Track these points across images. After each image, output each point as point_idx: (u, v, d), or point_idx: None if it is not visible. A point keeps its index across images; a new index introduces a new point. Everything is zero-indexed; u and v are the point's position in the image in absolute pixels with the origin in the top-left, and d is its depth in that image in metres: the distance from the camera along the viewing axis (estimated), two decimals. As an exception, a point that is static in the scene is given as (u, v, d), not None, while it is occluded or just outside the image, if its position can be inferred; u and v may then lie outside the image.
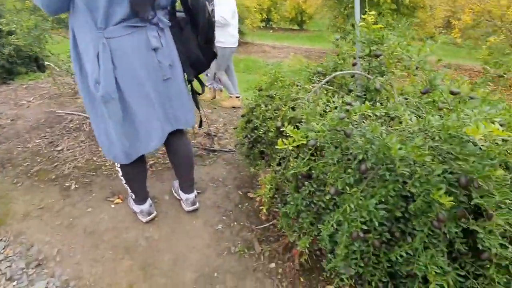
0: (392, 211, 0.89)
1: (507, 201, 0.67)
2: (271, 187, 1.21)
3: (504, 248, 0.72)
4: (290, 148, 0.89)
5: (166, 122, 1.38)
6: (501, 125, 0.65)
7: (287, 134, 0.92)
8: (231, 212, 1.65)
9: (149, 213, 1.55)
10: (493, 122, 0.65)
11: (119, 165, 1.41)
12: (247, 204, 1.70)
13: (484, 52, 5.06)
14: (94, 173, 1.96)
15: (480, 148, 0.76)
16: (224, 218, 1.62)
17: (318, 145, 0.92)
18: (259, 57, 7.67)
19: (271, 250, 1.41)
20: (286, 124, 1.19)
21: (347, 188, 0.88)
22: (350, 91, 1.29)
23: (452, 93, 1.07)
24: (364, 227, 0.82)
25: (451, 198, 0.66)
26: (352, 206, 0.83)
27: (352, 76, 1.34)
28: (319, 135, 0.89)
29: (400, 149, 0.71)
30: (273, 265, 1.36)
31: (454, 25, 6.78)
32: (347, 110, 0.87)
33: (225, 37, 3.00)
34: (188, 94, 1.45)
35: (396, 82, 1.37)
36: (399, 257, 0.84)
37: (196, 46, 1.43)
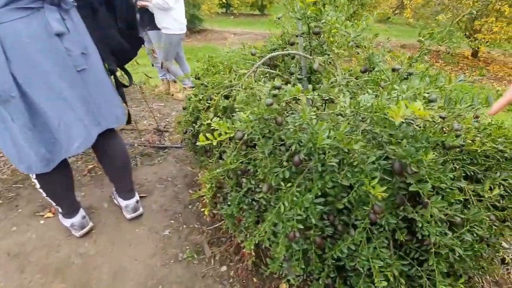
0: (333, 203, 0.81)
1: (443, 185, 0.61)
2: (212, 186, 1.09)
3: (443, 235, 0.66)
4: (215, 143, 0.76)
5: (91, 121, 1.19)
6: (432, 101, 0.57)
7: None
8: (180, 215, 1.51)
9: (82, 226, 1.37)
10: (421, 98, 0.57)
11: (34, 176, 1.21)
12: (198, 203, 1.57)
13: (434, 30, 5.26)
14: (21, 185, 1.71)
15: (416, 128, 0.70)
16: (172, 222, 1.48)
17: (248, 137, 0.80)
18: (219, 45, 7.38)
19: (222, 252, 1.31)
20: (220, 115, 1.07)
21: (282, 183, 0.78)
22: (292, 74, 1.18)
23: (394, 70, 1.00)
24: (301, 226, 0.73)
25: (384, 189, 0.59)
26: (287, 204, 0.73)
27: (293, 58, 1.23)
28: (247, 126, 0.78)
29: (328, 137, 0.62)
30: (224, 268, 1.25)
31: (406, 5, 6.98)
32: (275, 95, 0.76)
33: (171, 23, 2.76)
34: (112, 87, 1.26)
35: (344, 62, 1.29)
36: (340, 254, 0.77)
37: (117, 31, 1.24)
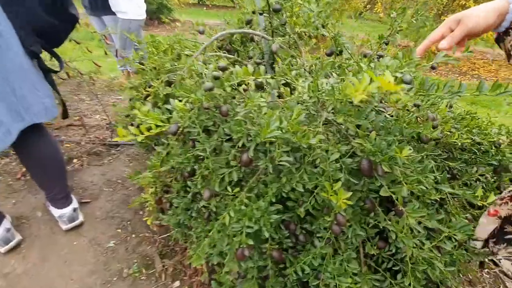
0: (294, 209, 0.68)
1: (421, 187, 0.48)
2: (156, 190, 0.92)
3: (421, 245, 0.55)
4: (140, 139, 0.59)
5: (10, 115, 0.97)
6: (406, 82, 0.45)
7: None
8: (128, 223, 1.32)
9: (7, 241, 1.14)
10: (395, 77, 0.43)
11: None
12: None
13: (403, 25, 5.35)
14: None
15: (387, 118, 0.57)
16: (118, 231, 1.28)
17: (185, 130, 0.64)
18: (189, 36, 7.05)
19: (175, 265, 1.14)
20: (161, 105, 0.90)
21: (229, 188, 0.63)
22: (250, 57, 1.03)
23: (364, 55, 0.88)
24: (251, 242, 0.59)
25: (349, 195, 0.45)
26: (233, 214, 0.58)
27: (252, 40, 1.08)
28: (183, 117, 0.61)
29: (279, 128, 0.47)
30: (177, 283, 1.09)
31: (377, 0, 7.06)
32: (217, 78, 0.60)
33: (128, 7, 2.48)
34: (37, 73, 1.04)
35: (313, 51, 1.16)
36: (301, 272, 0.64)
37: (39, 5, 1.01)
